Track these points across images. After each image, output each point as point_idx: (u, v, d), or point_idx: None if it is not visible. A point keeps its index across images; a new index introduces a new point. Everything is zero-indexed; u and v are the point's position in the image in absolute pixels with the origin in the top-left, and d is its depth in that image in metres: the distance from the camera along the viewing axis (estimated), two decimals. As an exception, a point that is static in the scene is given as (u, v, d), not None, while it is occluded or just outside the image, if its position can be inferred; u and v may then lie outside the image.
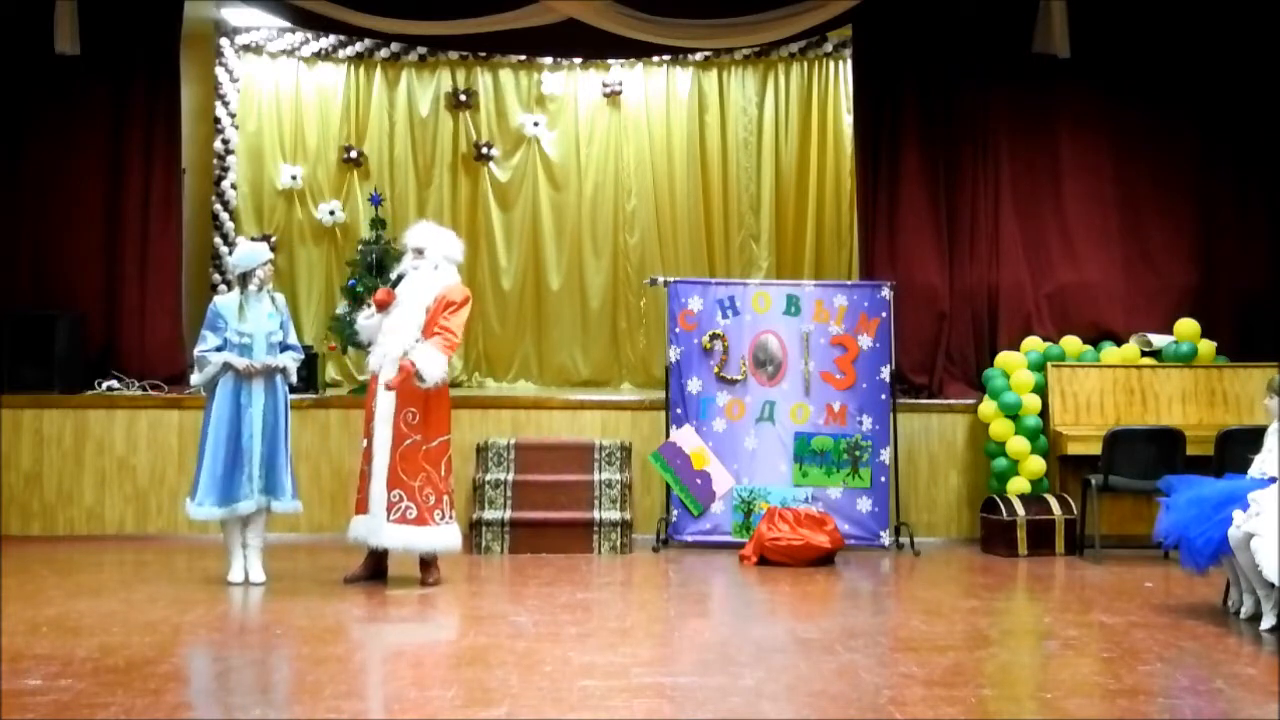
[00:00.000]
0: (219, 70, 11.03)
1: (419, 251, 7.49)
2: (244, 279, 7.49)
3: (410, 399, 7.28)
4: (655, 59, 11.28)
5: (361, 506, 7.39)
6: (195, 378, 7.56)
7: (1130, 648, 6.10)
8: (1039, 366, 9.19)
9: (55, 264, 9.74)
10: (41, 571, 7.79)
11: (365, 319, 7.56)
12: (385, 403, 7.27)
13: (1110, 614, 6.86)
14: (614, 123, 11.48)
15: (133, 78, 9.89)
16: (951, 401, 9.51)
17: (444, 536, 7.38)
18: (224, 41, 11.05)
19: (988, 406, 9.10)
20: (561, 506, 8.79)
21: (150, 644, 5.98)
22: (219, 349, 7.35)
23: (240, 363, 7.31)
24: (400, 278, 7.51)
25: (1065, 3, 9.53)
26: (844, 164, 11.11)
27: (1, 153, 9.75)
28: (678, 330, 9.06)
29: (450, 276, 7.56)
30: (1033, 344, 9.39)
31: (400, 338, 7.32)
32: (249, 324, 7.37)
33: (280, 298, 7.67)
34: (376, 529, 7.28)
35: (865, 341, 9.02)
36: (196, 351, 7.43)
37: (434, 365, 7.19)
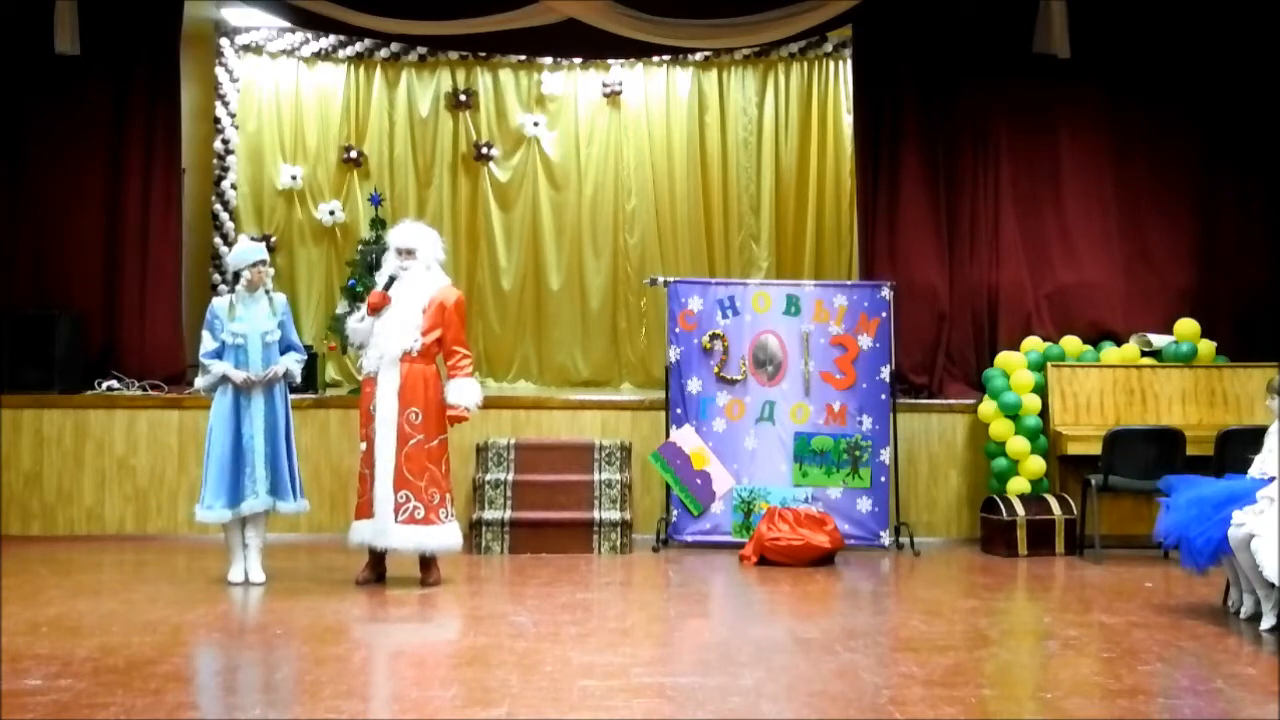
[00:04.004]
0: (219, 70, 11.03)
1: (409, 252, 7.48)
2: (236, 277, 7.53)
3: (413, 399, 7.31)
4: (655, 59, 11.28)
5: (364, 511, 7.36)
6: (198, 382, 7.61)
7: (1130, 648, 6.10)
8: (1039, 366, 9.19)
9: (55, 264, 9.74)
10: (41, 571, 7.79)
11: (357, 322, 7.51)
12: (388, 404, 7.28)
13: (1110, 614, 6.86)
14: (614, 123, 11.48)
15: (133, 78, 9.89)
16: (951, 401, 9.51)
17: (448, 535, 7.42)
18: (224, 41, 11.05)
19: (988, 406, 9.10)
20: (561, 506, 8.79)
21: (150, 644, 5.98)
22: (218, 352, 7.37)
23: (237, 376, 7.32)
24: (392, 280, 7.45)
25: (1065, 3, 9.53)
26: (844, 164, 11.11)
27: (1, 152, 9.76)
28: (678, 330, 9.06)
29: (441, 277, 7.61)
30: (1033, 344, 9.39)
31: (398, 340, 7.33)
32: (243, 324, 7.38)
33: (280, 298, 7.67)
34: (383, 531, 7.27)
35: (865, 341, 9.02)
36: (200, 355, 7.46)
37: (474, 394, 7.51)
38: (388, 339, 7.35)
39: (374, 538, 7.33)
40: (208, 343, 7.40)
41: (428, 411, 7.36)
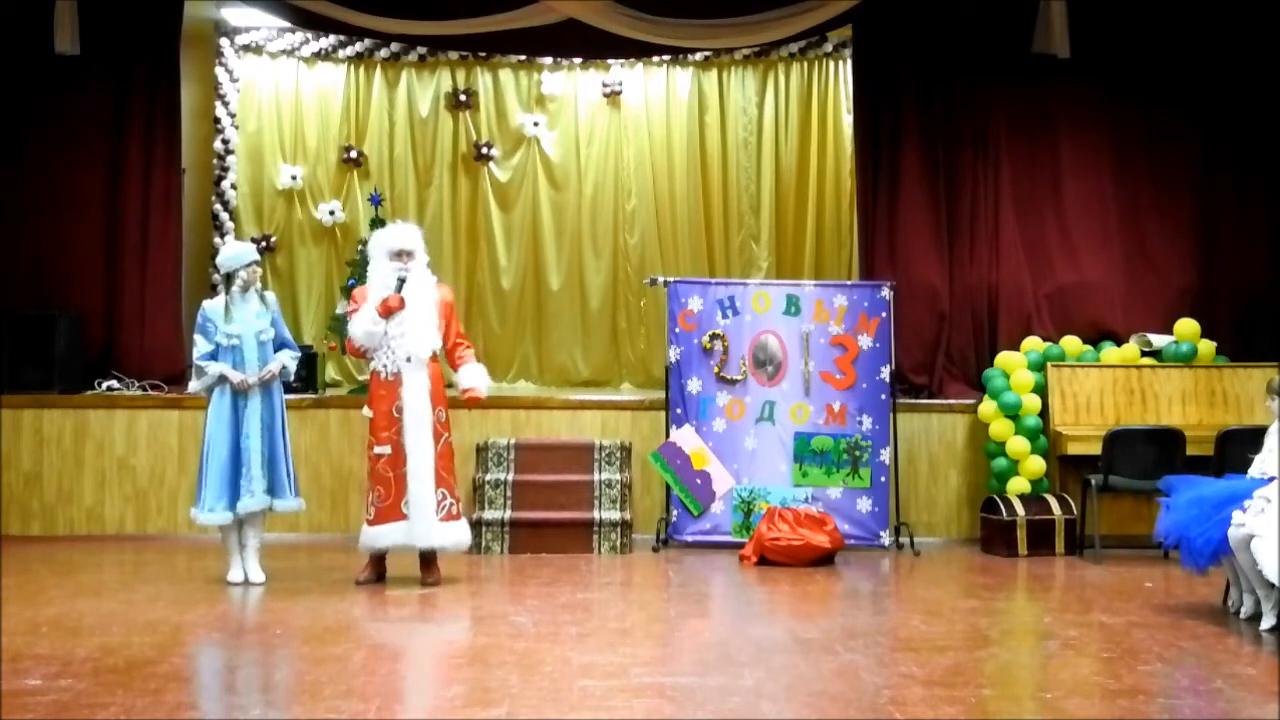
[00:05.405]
0: (219, 70, 11.02)
1: (409, 254, 7.50)
2: (229, 279, 7.49)
3: (440, 399, 7.46)
4: (655, 59, 11.28)
5: (391, 514, 7.33)
6: (193, 385, 7.55)
7: (1130, 648, 6.10)
8: (1039, 366, 9.18)
9: (55, 264, 9.73)
10: (41, 571, 7.79)
11: (373, 325, 7.37)
12: (420, 405, 7.32)
13: (1110, 614, 6.86)
14: (614, 123, 11.48)
15: (133, 78, 9.89)
16: (951, 401, 9.50)
17: (467, 529, 7.59)
18: (224, 41, 11.05)
19: (988, 406, 9.10)
20: (561, 506, 8.79)
21: (150, 644, 5.98)
22: (212, 354, 7.35)
23: (235, 377, 7.30)
24: (401, 282, 7.42)
25: (1065, 3, 9.53)
26: (844, 164, 11.11)
27: (1, 152, 9.75)
28: (678, 330, 9.06)
29: (432, 276, 7.67)
30: (1033, 344, 9.39)
31: (424, 341, 7.38)
32: (236, 325, 7.36)
33: (270, 295, 7.68)
34: (426, 531, 7.31)
35: (865, 341, 9.02)
36: (194, 359, 7.42)
37: (485, 377, 7.80)
38: (412, 340, 7.36)
39: (413, 539, 7.34)
40: (202, 346, 7.36)
41: (447, 409, 7.53)
